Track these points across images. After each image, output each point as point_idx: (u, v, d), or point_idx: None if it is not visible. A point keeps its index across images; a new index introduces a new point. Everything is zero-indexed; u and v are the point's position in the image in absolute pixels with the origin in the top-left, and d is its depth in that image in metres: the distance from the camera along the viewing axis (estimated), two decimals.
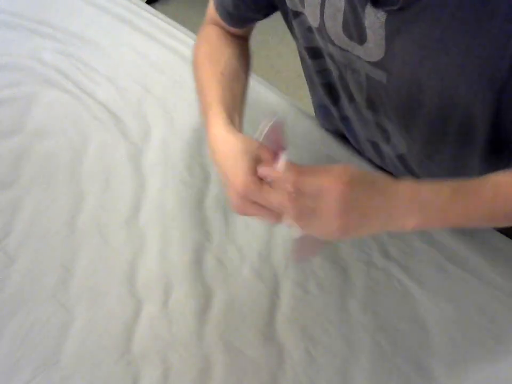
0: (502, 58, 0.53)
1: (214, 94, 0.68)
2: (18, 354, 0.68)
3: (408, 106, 0.65)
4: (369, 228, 0.55)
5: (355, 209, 0.52)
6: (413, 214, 0.54)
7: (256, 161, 0.57)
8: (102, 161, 0.91)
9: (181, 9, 2.53)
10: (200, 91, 0.72)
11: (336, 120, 0.86)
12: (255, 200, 0.55)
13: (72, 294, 0.74)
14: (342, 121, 0.85)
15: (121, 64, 1.10)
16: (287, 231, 0.76)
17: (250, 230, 0.80)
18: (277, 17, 0.76)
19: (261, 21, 0.79)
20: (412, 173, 0.80)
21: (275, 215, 0.56)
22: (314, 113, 0.96)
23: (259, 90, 1.02)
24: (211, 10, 0.80)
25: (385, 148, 0.80)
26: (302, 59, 0.81)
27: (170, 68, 1.08)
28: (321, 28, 0.65)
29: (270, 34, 1.89)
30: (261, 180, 0.55)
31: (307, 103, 0.97)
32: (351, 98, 0.75)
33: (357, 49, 0.63)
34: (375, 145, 0.82)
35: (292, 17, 0.71)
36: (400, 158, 0.78)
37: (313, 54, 0.74)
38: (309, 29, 0.69)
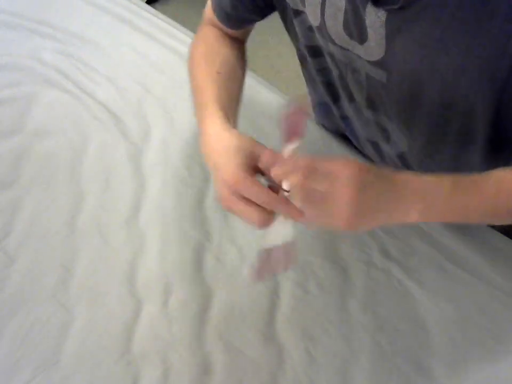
0: (502, 58, 0.53)
1: (210, 93, 0.68)
2: (18, 354, 0.68)
3: (408, 105, 0.65)
4: (376, 219, 0.55)
5: (366, 197, 0.52)
6: (417, 205, 0.55)
7: (250, 159, 0.56)
8: (102, 161, 0.91)
9: (181, 9, 2.53)
10: (195, 90, 0.72)
11: (336, 118, 0.86)
12: (245, 194, 0.54)
13: (72, 294, 0.74)
14: (342, 120, 0.85)
15: (121, 64, 1.10)
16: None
17: (250, 230, 0.80)
18: (276, 17, 0.76)
19: (260, 21, 0.79)
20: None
21: (262, 214, 0.55)
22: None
23: (259, 90, 1.01)
24: (208, 11, 0.80)
25: (385, 147, 0.80)
26: (301, 57, 0.81)
27: (170, 68, 1.08)
28: (322, 27, 0.66)
29: (270, 34, 1.89)
30: (252, 176, 0.55)
31: None
32: (351, 98, 0.75)
33: (358, 49, 0.63)
34: (375, 145, 0.82)
35: (293, 16, 0.71)
36: (401, 157, 0.79)
37: (313, 52, 0.75)
38: (310, 28, 0.70)
